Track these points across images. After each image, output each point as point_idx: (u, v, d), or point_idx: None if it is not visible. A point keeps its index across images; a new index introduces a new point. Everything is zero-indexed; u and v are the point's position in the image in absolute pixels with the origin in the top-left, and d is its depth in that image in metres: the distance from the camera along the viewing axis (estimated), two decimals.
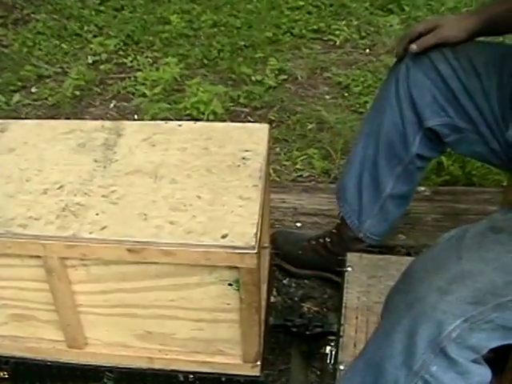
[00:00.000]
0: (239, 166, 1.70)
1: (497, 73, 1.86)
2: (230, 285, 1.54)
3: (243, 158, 1.72)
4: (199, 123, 1.90)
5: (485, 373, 1.37)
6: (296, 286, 2.30)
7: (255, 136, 1.79)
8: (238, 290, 1.53)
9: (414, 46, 1.89)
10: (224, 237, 1.49)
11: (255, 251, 1.46)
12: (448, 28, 1.90)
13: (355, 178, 2.12)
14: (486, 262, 1.37)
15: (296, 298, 2.26)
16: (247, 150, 1.74)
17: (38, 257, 1.58)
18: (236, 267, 1.49)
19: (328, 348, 1.97)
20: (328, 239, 2.27)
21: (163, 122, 1.92)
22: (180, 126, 1.86)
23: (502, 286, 1.33)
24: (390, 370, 1.36)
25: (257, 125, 1.89)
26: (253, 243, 1.47)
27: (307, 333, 2.04)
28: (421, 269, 1.44)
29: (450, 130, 1.97)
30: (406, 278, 1.45)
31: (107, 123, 1.91)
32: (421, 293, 1.36)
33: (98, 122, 1.94)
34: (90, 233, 1.54)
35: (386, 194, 2.10)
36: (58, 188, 1.67)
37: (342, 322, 1.92)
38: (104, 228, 1.54)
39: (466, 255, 1.40)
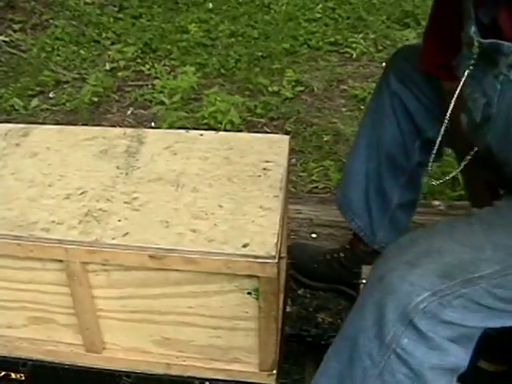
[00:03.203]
0: (260, 176, 1.71)
1: None
2: (249, 293, 1.55)
3: (264, 169, 1.73)
4: (220, 133, 1.92)
5: (461, 354, 1.37)
6: (311, 296, 2.32)
7: (276, 147, 1.81)
8: (257, 298, 1.54)
9: None
10: (245, 246, 1.50)
11: (276, 261, 1.48)
12: None
13: (361, 192, 2.13)
14: (455, 240, 1.39)
15: (311, 309, 2.27)
16: (268, 161, 1.76)
17: (60, 261, 1.59)
18: (256, 276, 1.51)
19: None
20: (342, 254, 2.30)
21: (184, 130, 1.94)
22: (201, 135, 1.88)
23: (470, 263, 1.35)
24: (364, 343, 1.38)
25: (277, 136, 1.90)
26: (273, 253, 1.48)
27: (322, 343, 2.05)
28: (394, 247, 1.47)
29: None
30: (381, 256, 1.48)
31: (129, 131, 1.93)
32: (390, 266, 1.38)
33: (120, 130, 1.96)
34: (113, 239, 1.55)
35: (394, 204, 2.12)
36: (81, 194, 1.69)
37: None
38: (126, 234, 1.56)
39: (436, 234, 1.44)
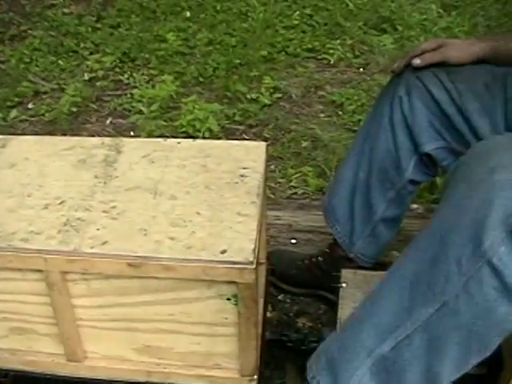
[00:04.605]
0: (237, 182, 1.72)
1: (502, 90, 1.85)
2: (228, 299, 1.56)
3: (241, 176, 1.74)
4: (198, 141, 1.93)
5: None
6: (291, 301, 2.33)
7: (253, 153, 1.82)
8: (237, 304, 1.56)
9: (417, 61, 1.89)
10: (223, 252, 1.51)
11: (253, 266, 1.49)
12: (453, 49, 1.89)
13: (347, 199, 2.13)
14: None
15: (291, 314, 2.28)
16: (245, 168, 1.77)
17: (39, 271, 1.60)
18: (234, 282, 1.52)
19: None
20: (321, 258, 2.29)
21: (162, 139, 1.95)
22: (179, 143, 1.89)
23: None
24: (454, 245, 1.26)
25: (254, 143, 1.91)
26: (251, 259, 1.49)
27: (303, 348, 2.06)
28: (506, 140, 1.34)
29: (447, 154, 1.97)
30: (487, 147, 1.33)
31: (107, 140, 1.93)
32: (506, 159, 1.25)
33: (98, 139, 1.97)
34: (91, 247, 1.56)
35: (378, 217, 2.11)
36: (59, 203, 1.70)
37: None
38: (105, 243, 1.57)
39: None
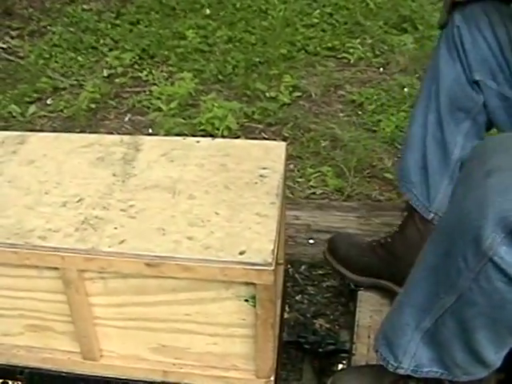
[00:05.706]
0: (257, 183, 1.71)
1: None
2: (246, 300, 1.55)
3: (261, 176, 1.73)
4: (217, 140, 1.92)
5: None
6: (308, 302, 2.32)
7: (273, 153, 1.81)
8: (254, 305, 1.54)
9: None
10: (242, 253, 1.50)
11: (272, 268, 1.47)
12: None
13: (419, 150, 1.97)
14: None
15: (308, 315, 2.27)
16: (265, 168, 1.75)
17: (57, 269, 1.59)
18: (253, 283, 1.50)
19: (340, 366, 1.98)
20: (389, 239, 2.13)
21: (181, 137, 1.94)
22: (198, 142, 1.88)
23: None
24: (460, 243, 1.29)
25: (274, 142, 1.90)
26: (270, 260, 1.48)
27: (320, 350, 2.05)
28: (508, 139, 1.34)
29: (494, 96, 1.86)
30: (486, 148, 1.34)
31: (126, 138, 1.93)
32: (503, 162, 1.25)
33: (117, 137, 1.96)
34: (109, 246, 1.55)
35: (456, 156, 1.93)
36: (77, 201, 1.69)
37: (355, 340, 1.94)
38: (123, 242, 1.56)
39: None
